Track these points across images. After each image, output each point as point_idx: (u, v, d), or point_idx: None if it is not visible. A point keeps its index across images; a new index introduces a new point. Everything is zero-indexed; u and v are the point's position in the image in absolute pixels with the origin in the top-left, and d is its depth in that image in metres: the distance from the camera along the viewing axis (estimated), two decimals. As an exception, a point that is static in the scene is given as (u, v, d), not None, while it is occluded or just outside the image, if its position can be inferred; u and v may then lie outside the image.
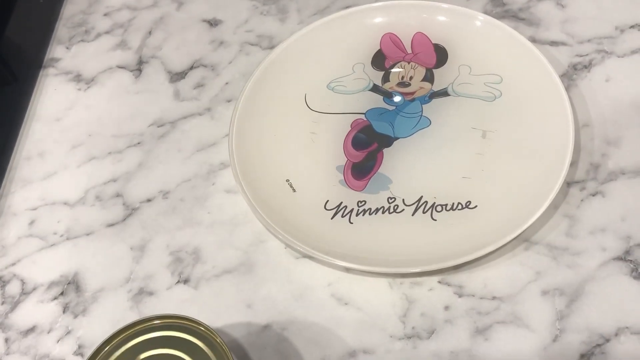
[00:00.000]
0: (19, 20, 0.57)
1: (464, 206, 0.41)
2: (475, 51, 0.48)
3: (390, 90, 0.48)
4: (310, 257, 0.40)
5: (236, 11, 0.55)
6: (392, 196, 0.43)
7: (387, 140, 0.45)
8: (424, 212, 0.42)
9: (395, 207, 0.42)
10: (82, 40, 0.55)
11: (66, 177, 0.47)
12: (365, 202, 0.43)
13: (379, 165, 0.44)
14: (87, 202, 0.46)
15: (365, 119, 0.46)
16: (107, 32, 0.56)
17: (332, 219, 0.42)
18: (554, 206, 0.41)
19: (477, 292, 0.39)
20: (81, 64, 0.54)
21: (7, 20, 0.55)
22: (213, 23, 0.54)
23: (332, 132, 0.46)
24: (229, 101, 0.50)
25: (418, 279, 0.39)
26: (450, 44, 0.49)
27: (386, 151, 0.45)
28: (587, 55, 0.48)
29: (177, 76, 0.52)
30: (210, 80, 0.51)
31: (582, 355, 0.36)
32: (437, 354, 0.37)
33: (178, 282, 0.41)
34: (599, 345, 0.36)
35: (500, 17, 0.51)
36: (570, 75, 0.47)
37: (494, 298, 0.38)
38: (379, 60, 0.49)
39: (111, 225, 0.44)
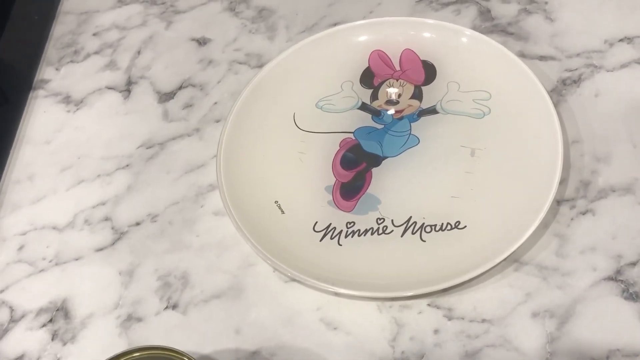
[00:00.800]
0: (9, 41, 0.57)
1: (453, 226, 0.41)
2: (463, 67, 0.47)
3: (378, 108, 0.47)
4: (299, 281, 0.40)
5: (225, 29, 0.55)
6: (381, 217, 0.42)
7: (376, 160, 0.45)
8: (413, 233, 0.41)
9: (385, 228, 0.42)
10: (72, 61, 0.55)
11: (55, 201, 0.47)
12: (354, 223, 0.42)
13: (368, 186, 0.44)
14: (76, 226, 0.46)
15: (354, 138, 0.46)
16: (96, 53, 0.55)
17: (320, 240, 0.42)
18: (544, 225, 0.40)
19: (466, 315, 0.38)
20: (70, 85, 0.54)
21: (-3, 41, 0.56)
22: (202, 42, 0.54)
23: (320, 152, 0.46)
24: (217, 121, 0.49)
25: (407, 302, 0.39)
26: (439, 60, 0.48)
27: (375, 171, 0.44)
28: (576, 69, 0.47)
29: (166, 96, 0.52)
30: (199, 100, 0.51)
31: (574, 378, 0.36)
32: (427, 378, 0.37)
33: (167, 307, 0.41)
34: (590, 367, 0.36)
35: (488, 31, 0.50)
36: (559, 91, 0.47)
37: (483, 321, 0.38)
38: (368, 78, 0.49)
39: (100, 249, 0.44)
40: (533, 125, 0.44)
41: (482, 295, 0.39)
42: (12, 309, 0.42)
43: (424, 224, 0.41)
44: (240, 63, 0.52)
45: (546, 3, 0.51)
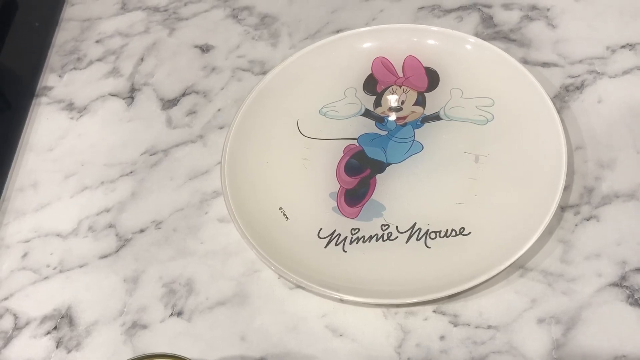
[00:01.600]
0: (12, 48, 0.57)
1: (457, 233, 0.41)
2: (466, 74, 0.48)
3: (382, 114, 0.48)
4: (304, 288, 0.40)
5: (228, 36, 0.55)
6: (385, 223, 0.42)
7: (380, 166, 0.45)
8: (417, 240, 0.41)
9: (389, 234, 0.42)
10: (75, 68, 0.55)
11: (59, 208, 0.47)
12: (359, 229, 0.42)
13: (372, 192, 0.44)
14: (80, 234, 0.46)
15: (357, 145, 0.46)
16: (99, 60, 0.56)
17: (325, 247, 0.42)
18: (549, 231, 0.40)
19: (472, 321, 0.38)
20: (73, 93, 0.54)
21: (0, 48, 0.56)
22: (205, 49, 0.55)
23: (324, 158, 0.46)
24: (221, 128, 0.49)
25: (413, 309, 0.39)
26: (442, 67, 0.48)
27: (379, 177, 0.45)
28: (579, 76, 0.48)
29: (169, 103, 0.52)
30: (203, 107, 0.51)
31: (580, 385, 0.36)
32: (433, 385, 0.37)
33: (171, 314, 0.41)
34: (596, 373, 0.36)
35: (491, 38, 0.51)
36: (562, 97, 0.47)
37: (489, 327, 0.38)
38: (371, 85, 0.49)
39: (104, 256, 0.44)
40: (536, 131, 0.44)
41: (488, 301, 0.39)
42: (16, 317, 0.42)
43: (428, 230, 0.42)
44: (243, 70, 0.53)
45: (548, 10, 0.52)
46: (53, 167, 0.50)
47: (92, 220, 0.46)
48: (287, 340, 0.39)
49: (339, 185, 0.45)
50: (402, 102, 0.48)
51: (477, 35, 0.50)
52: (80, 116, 0.52)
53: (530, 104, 0.45)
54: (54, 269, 0.44)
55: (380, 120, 0.47)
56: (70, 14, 0.60)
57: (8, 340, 0.41)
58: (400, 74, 0.49)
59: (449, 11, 0.53)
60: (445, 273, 0.39)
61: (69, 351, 0.41)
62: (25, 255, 0.45)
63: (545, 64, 0.49)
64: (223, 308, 0.41)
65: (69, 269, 0.44)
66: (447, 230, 0.41)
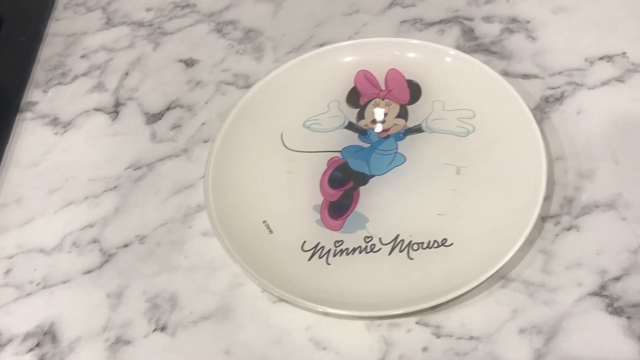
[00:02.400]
0: (-3, 63, 0.58)
1: (440, 244, 0.41)
2: (448, 86, 0.48)
3: (365, 127, 0.48)
4: (288, 301, 0.40)
5: (212, 50, 0.55)
6: (369, 235, 0.43)
7: (363, 178, 0.45)
8: (400, 251, 0.42)
9: (372, 246, 0.42)
10: (59, 83, 0.56)
11: (43, 224, 0.47)
12: (342, 242, 0.43)
13: (356, 204, 0.44)
14: (64, 249, 0.46)
15: (341, 157, 0.47)
16: (84, 74, 0.56)
17: (309, 260, 0.42)
18: (529, 242, 0.41)
19: (455, 332, 0.38)
20: (58, 108, 0.54)
21: (-16, 64, 0.56)
22: (189, 63, 0.55)
23: (308, 171, 0.46)
24: (205, 142, 0.50)
25: (396, 320, 0.39)
26: (424, 79, 0.49)
27: (362, 189, 0.45)
28: (558, 87, 0.48)
29: (153, 117, 0.52)
30: (187, 121, 0.51)
31: (562, 394, 0.36)
32: (416, 397, 0.37)
33: (155, 329, 0.41)
34: (577, 383, 0.36)
35: (472, 51, 0.51)
36: (542, 108, 0.47)
37: (471, 338, 0.38)
38: (354, 98, 0.49)
39: (88, 272, 0.44)
40: (517, 142, 0.44)
41: (470, 312, 0.39)
42: (-2, 334, 0.42)
43: (411, 241, 0.42)
44: (228, 84, 0.53)
45: (528, 22, 0.52)
46: (37, 183, 0.49)
47: (76, 235, 0.46)
48: (271, 354, 0.39)
49: (323, 198, 0.45)
50: (385, 115, 0.48)
51: (458, 48, 0.51)
52: (65, 131, 0.52)
53: (510, 116, 0.45)
54: (37, 285, 0.44)
55: (363, 133, 0.48)
56: (56, 29, 0.60)
57: (-10, 357, 0.41)
58: (383, 87, 0.50)
59: (430, 24, 0.54)
60: (428, 284, 0.39)
61: (52, 368, 0.40)
62: (8, 271, 0.45)
63: (525, 76, 0.49)
64: (207, 322, 0.41)
65: (52, 285, 0.44)
66: (429, 241, 0.42)
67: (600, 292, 0.39)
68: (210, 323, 0.41)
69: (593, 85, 0.48)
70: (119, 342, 0.41)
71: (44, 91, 0.55)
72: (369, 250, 0.42)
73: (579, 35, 0.51)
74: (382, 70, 0.50)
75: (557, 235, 0.41)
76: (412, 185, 0.44)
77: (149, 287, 0.43)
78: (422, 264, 0.41)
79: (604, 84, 0.48)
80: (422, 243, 0.42)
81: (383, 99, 0.49)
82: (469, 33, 0.53)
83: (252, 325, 0.40)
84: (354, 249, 0.42)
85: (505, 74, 0.49)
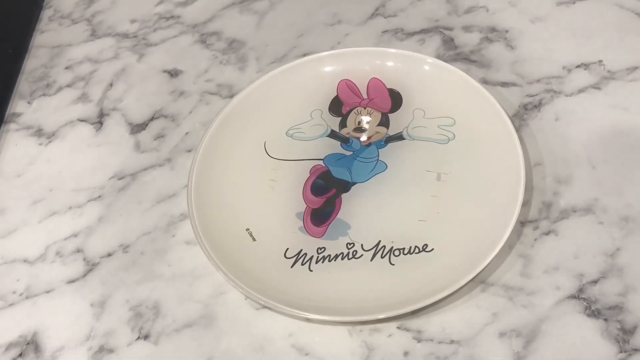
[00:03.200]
0: (-19, 75, 0.58)
1: (421, 249, 0.42)
2: (428, 94, 0.49)
3: (347, 135, 0.49)
4: (271, 308, 0.40)
5: (196, 61, 0.56)
6: (351, 242, 0.43)
7: (345, 186, 0.46)
8: (382, 257, 0.42)
9: (354, 252, 0.43)
10: (44, 94, 0.56)
11: (26, 234, 0.47)
12: (324, 248, 0.43)
13: (338, 211, 0.45)
14: (47, 259, 0.46)
15: (323, 165, 0.47)
16: (68, 86, 0.56)
17: (292, 267, 0.42)
18: (509, 246, 0.41)
19: (435, 337, 0.39)
20: (42, 119, 0.54)
21: (-31, 76, 0.56)
22: (173, 73, 0.55)
23: (291, 179, 0.47)
24: (189, 151, 0.50)
25: (377, 326, 0.40)
26: (404, 88, 0.50)
27: (344, 196, 0.45)
28: (536, 95, 0.49)
29: (137, 127, 0.52)
30: (171, 131, 0.52)
31: (541, 396, 0.36)
32: (398, 402, 0.37)
33: (138, 337, 0.41)
34: (557, 385, 0.36)
35: (452, 60, 0.52)
36: (521, 115, 0.48)
37: (452, 342, 0.38)
38: (336, 106, 0.50)
39: (71, 281, 0.44)
40: (496, 149, 0.45)
41: (451, 316, 0.39)
42: (-19, 345, 0.42)
43: (392, 247, 0.42)
44: (211, 94, 0.53)
45: (507, 32, 0.53)
46: (21, 193, 0.50)
47: (59, 245, 0.46)
48: (254, 361, 0.39)
49: (306, 205, 0.45)
50: (367, 123, 0.49)
51: (438, 57, 0.52)
52: (49, 142, 0.53)
53: (490, 123, 0.46)
54: (20, 295, 0.44)
55: (345, 141, 0.48)
56: (41, 41, 0.60)
57: (-28, 368, 0.41)
58: (365, 96, 0.50)
59: (411, 34, 0.54)
60: (409, 289, 0.40)
61: (35, 378, 0.40)
62: (-9, 282, 0.45)
63: (504, 84, 0.50)
64: (190, 330, 0.41)
65: (35, 294, 0.44)
66: (410, 247, 0.42)
67: (578, 295, 0.39)
68: (193, 331, 0.41)
69: (570, 93, 0.49)
70: (103, 350, 0.41)
71: (29, 102, 0.56)
72: (351, 256, 0.42)
73: (557, 44, 0.52)
74: (363, 79, 0.51)
75: (535, 239, 0.42)
76: (393, 192, 0.45)
77: (132, 296, 0.43)
78: (404, 269, 0.41)
79: (581, 91, 0.49)
80: (403, 249, 0.42)
81: (365, 108, 0.50)
82: (449, 42, 0.54)
83: (235, 332, 0.40)
84: (336, 256, 0.43)
85: (485, 82, 0.50)
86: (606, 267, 0.40)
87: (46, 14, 0.63)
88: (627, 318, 0.38)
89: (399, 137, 0.48)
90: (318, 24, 0.57)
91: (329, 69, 0.51)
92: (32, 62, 0.59)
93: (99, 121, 0.53)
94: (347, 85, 0.51)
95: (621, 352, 0.37)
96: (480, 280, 0.40)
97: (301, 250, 0.43)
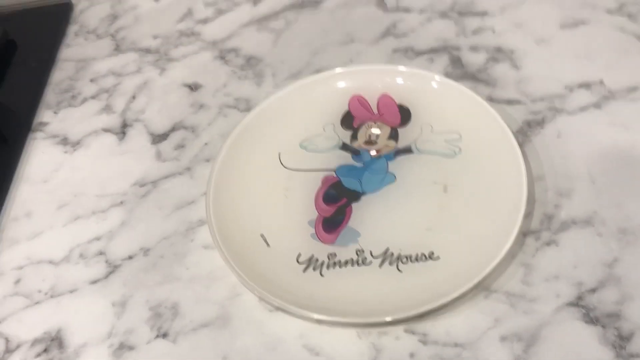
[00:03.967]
0: (10, 86, 0.61)
1: (427, 257, 0.44)
2: (436, 111, 0.51)
3: (358, 148, 0.51)
4: (283, 310, 0.42)
5: (216, 76, 0.59)
6: (360, 248, 0.45)
7: (356, 196, 0.48)
8: (390, 264, 0.44)
9: (364, 259, 0.45)
10: (69, 105, 0.59)
11: (52, 237, 0.50)
12: (335, 254, 0.45)
13: (348, 219, 0.47)
14: (71, 261, 0.48)
15: (335, 176, 0.49)
16: (92, 97, 0.59)
17: (304, 272, 0.44)
18: (511, 255, 0.43)
19: (440, 340, 0.41)
20: (68, 128, 0.57)
21: (-1, 86, 0.59)
22: (194, 87, 0.58)
23: (304, 188, 0.49)
24: (207, 161, 0.52)
25: (385, 329, 0.41)
26: (413, 104, 0.52)
27: (355, 206, 0.48)
28: (540, 112, 0.51)
29: (159, 138, 0.55)
30: (191, 141, 0.54)
31: (541, 399, 0.38)
32: (403, 401, 0.39)
33: (157, 336, 0.43)
34: (556, 388, 0.38)
35: (460, 78, 0.54)
36: (524, 132, 0.50)
37: (456, 345, 0.40)
38: (348, 121, 0.52)
39: (94, 282, 0.47)
40: (500, 163, 0.47)
41: (455, 321, 0.41)
42: (7, 340, 0.44)
43: (400, 255, 0.44)
44: (229, 107, 0.56)
45: (512, 52, 0.56)
46: (47, 198, 0.52)
47: (83, 247, 0.49)
48: (267, 360, 0.41)
49: (317, 214, 0.47)
50: (377, 137, 0.51)
51: (446, 75, 0.54)
52: (74, 150, 0.55)
53: (494, 138, 0.48)
54: (46, 294, 0.46)
55: (356, 153, 0.51)
56: (67, 54, 0.63)
57: (0, 362, 0.43)
58: (375, 111, 0.53)
59: (421, 53, 0.57)
60: (416, 294, 0.42)
61: (58, 372, 0.42)
62: (18, 281, 0.47)
63: (509, 102, 0.52)
64: (206, 330, 0.43)
65: (59, 294, 0.46)
66: (417, 255, 0.44)
67: (577, 302, 0.41)
68: (210, 330, 0.43)
69: (572, 111, 0.51)
70: (123, 347, 0.43)
71: (55, 112, 0.58)
72: (360, 262, 0.45)
73: (560, 64, 0.54)
74: (374, 95, 0.53)
75: (537, 249, 0.44)
76: (401, 202, 0.47)
77: (151, 297, 0.45)
78: (411, 275, 0.43)
79: (582, 109, 0.51)
80: (411, 256, 0.44)
81: (375, 122, 0.52)
82: (456, 62, 0.56)
83: (249, 332, 0.42)
84: (347, 262, 0.45)
85: (490, 99, 0.52)
86: (604, 277, 0.42)
87: (72, 29, 0.66)
88: (624, 325, 0.40)
89: (407, 150, 0.50)
90: (332, 42, 0.59)
91: (342, 85, 0.54)
92: (59, 75, 0.61)
93: (122, 131, 0.56)
94: (359, 101, 0.53)
95: (618, 357, 0.38)
96: (483, 287, 0.42)
97: (313, 255, 0.45)
